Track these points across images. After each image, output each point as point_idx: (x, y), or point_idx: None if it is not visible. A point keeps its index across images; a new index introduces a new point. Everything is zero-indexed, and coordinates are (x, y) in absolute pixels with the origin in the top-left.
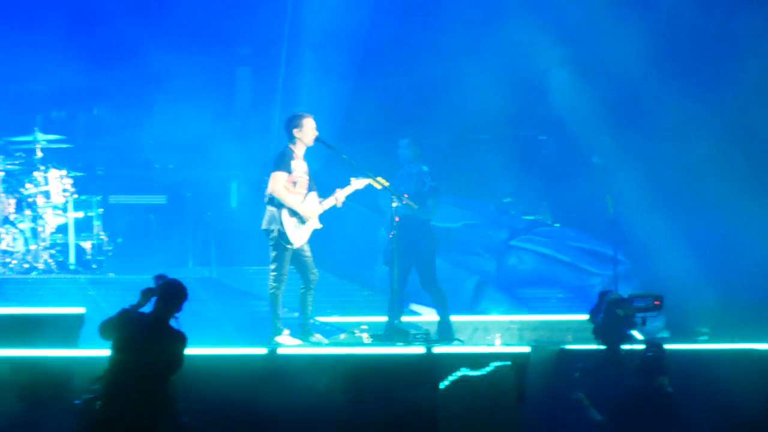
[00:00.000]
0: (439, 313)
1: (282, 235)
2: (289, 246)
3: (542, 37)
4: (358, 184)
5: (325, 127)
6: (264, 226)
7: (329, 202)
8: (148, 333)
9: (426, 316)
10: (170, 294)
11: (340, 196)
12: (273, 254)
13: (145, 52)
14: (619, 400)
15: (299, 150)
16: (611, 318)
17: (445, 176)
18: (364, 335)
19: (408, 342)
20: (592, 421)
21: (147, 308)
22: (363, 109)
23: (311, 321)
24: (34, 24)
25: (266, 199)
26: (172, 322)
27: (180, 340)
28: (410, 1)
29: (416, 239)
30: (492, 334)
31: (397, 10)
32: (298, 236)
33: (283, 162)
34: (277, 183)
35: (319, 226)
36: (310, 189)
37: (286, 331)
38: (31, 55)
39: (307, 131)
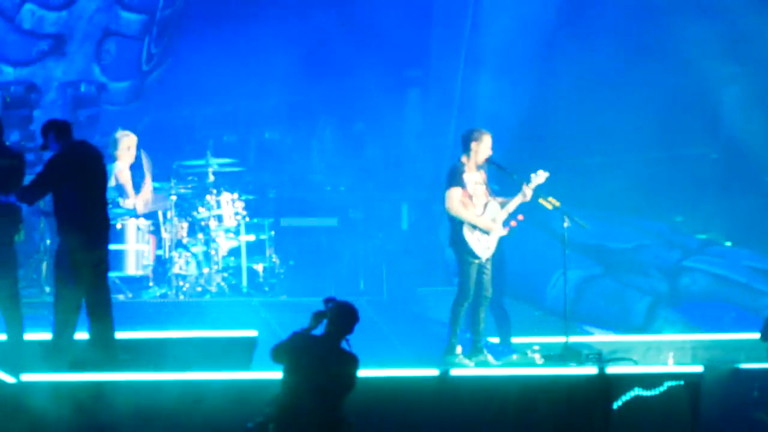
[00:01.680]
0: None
1: (467, 250)
2: (476, 260)
3: (713, 52)
4: (528, 193)
5: (498, 148)
6: (449, 243)
7: (516, 201)
8: (320, 356)
9: (598, 336)
10: (341, 316)
11: (511, 206)
12: (459, 269)
13: (313, 77)
14: None
15: (471, 165)
16: None
17: (622, 195)
18: (536, 356)
19: (580, 362)
20: None
21: (318, 331)
22: (535, 130)
23: (483, 341)
24: (207, 47)
25: (447, 216)
26: (344, 345)
27: (352, 362)
28: (588, 24)
29: None
30: (665, 354)
31: (572, 30)
32: (484, 248)
33: (455, 177)
34: (453, 200)
35: (504, 232)
36: (490, 195)
37: (459, 349)
38: (206, 79)
39: (484, 147)
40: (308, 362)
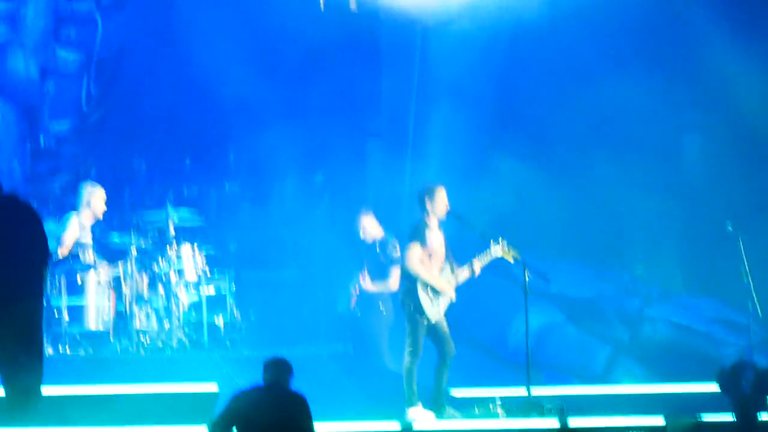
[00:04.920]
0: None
1: (418, 309)
2: (425, 320)
3: (674, 100)
4: (495, 250)
5: (457, 197)
6: (400, 300)
7: (466, 273)
8: (265, 402)
9: (560, 387)
10: (273, 363)
11: (477, 266)
12: (408, 327)
13: (272, 129)
14: None
15: (433, 222)
16: (747, 388)
17: (582, 244)
18: (499, 409)
19: (542, 415)
20: None
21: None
22: (492, 174)
23: (445, 395)
24: (170, 100)
25: (401, 271)
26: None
27: (300, 399)
28: (541, 58)
29: None
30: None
31: (527, 69)
32: (435, 311)
33: (417, 234)
34: (412, 257)
35: (453, 299)
36: (446, 261)
37: (419, 404)
38: (159, 131)
39: (440, 204)
40: (256, 412)
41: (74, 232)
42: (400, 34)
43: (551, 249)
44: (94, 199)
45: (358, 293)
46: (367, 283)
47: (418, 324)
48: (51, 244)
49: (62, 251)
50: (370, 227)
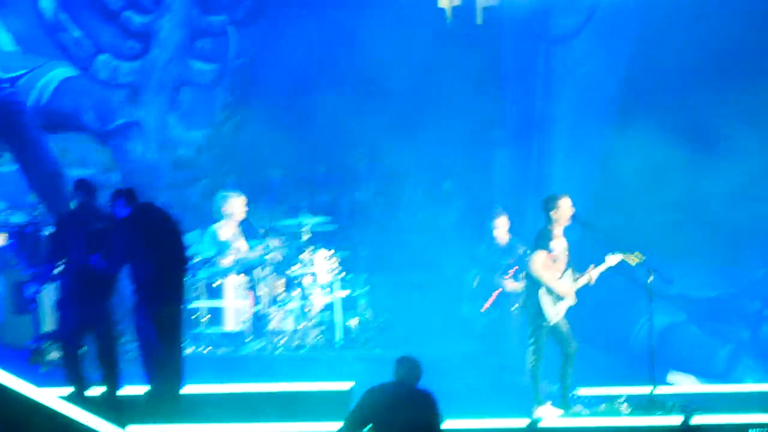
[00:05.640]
0: None
1: (539, 312)
2: (545, 323)
3: None
4: (611, 260)
5: (581, 204)
6: (521, 302)
7: (583, 280)
8: (396, 400)
9: (685, 385)
10: (404, 362)
11: (593, 274)
12: (531, 329)
13: (401, 136)
14: None
15: (557, 229)
16: None
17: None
18: (623, 406)
19: (666, 412)
20: None
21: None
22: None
23: (571, 393)
24: (303, 110)
25: (523, 276)
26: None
27: (429, 397)
28: (664, 70)
29: None
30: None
31: (647, 77)
32: (555, 313)
33: (542, 241)
34: (536, 262)
35: (574, 302)
36: (568, 266)
37: (547, 403)
38: (293, 140)
39: (564, 212)
40: (390, 411)
41: (224, 236)
42: (523, 46)
43: (672, 250)
44: (234, 207)
45: (498, 294)
46: (510, 284)
47: (540, 326)
48: (192, 249)
49: (222, 260)
50: (503, 230)
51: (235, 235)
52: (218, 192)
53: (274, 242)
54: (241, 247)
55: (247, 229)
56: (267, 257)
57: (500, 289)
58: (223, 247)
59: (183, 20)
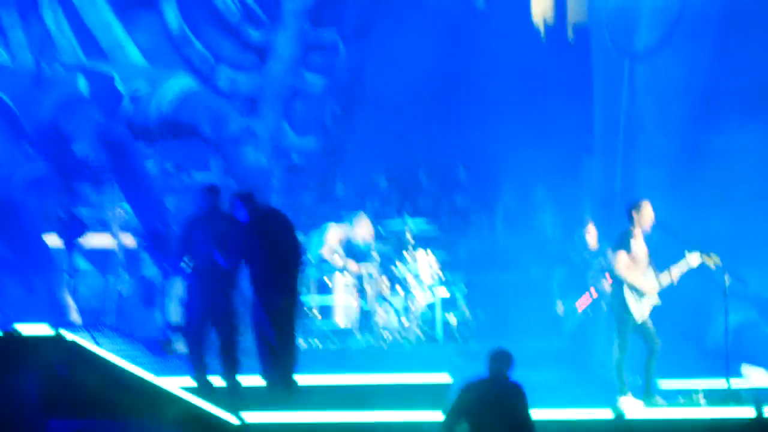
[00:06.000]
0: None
1: (625, 309)
2: (631, 320)
3: None
4: (692, 260)
5: (663, 209)
6: (609, 303)
7: (666, 279)
8: (489, 393)
9: (758, 378)
10: (499, 357)
11: (675, 273)
12: (617, 326)
13: (496, 145)
14: None
15: (638, 232)
16: None
17: None
18: (700, 398)
19: (740, 404)
20: None
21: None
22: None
23: (653, 386)
24: (407, 120)
25: (611, 276)
26: (510, 378)
27: (518, 389)
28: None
29: None
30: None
31: (727, 88)
32: (639, 311)
33: (623, 242)
34: (619, 262)
35: (658, 302)
36: (649, 266)
37: (629, 394)
38: (397, 148)
39: (645, 216)
40: (483, 403)
41: (332, 239)
42: (610, 62)
43: (746, 253)
44: (360, 226)
45: (595, 297)
46: (607, 286)
47: (626, 323)
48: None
49: (327, 254)
50: (593, 234)
51: (342, 241)
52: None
53: (379, 244)
54: (343, 259)
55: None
56: (374, 258)
57: (594, 290)
58: (332, 248)
59: (296, 35)
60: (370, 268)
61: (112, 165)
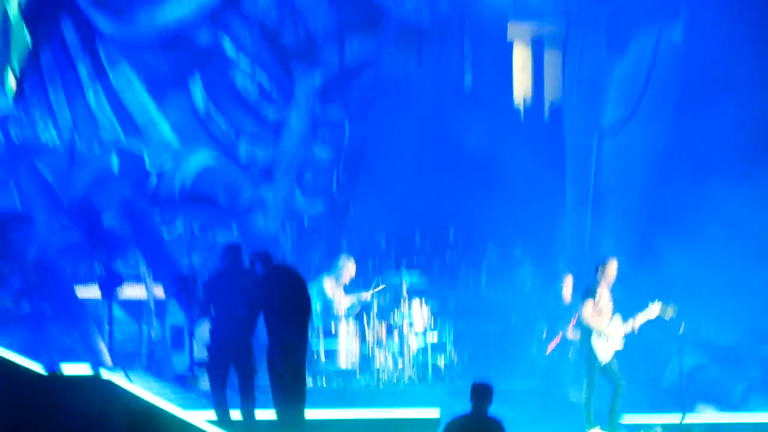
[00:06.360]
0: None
1: (591, 352)
2: (597, 363)
3: None
4: (652, 311)
5: (626, 265)
6: (578, 347)
7: (628, 327)
8: (473, 426)
9: (708, 414)
10: (480, 392)
11: (637, 322)
12: (585, 368)
13: (480, 209)
14: None
15: (603, 285)
16: None
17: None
18: (659, 431)
19: None
20: None
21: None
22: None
23: (618, 420)
24: (405, 187)
25: (578, 322)
26: (489, 413)
27: (497, 425)
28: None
29: None
30: None
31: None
32: (604, 354)
33: (590, 293)
34: (586, 310)
35: (621, 346)
36: (613, 315)
37: (597, 427)
38: (397, 211)
39: (610, 272)
40: None
41: (329, 287)
42: (580, 135)
43: (700, 305)
44: (347, 267)
45: (560, 341)
46: (570, 332)
47: (593, 364)
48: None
49: (330, 294)
50: (568, 287)
51: (338, 289)
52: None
53: (378, 295)
54: (342, 299)
55: (356, 283)
56: (373, 307)
57: (561, 334)
58: (326, 298)
59: (307, 112)
60: (365, 296)
61: (134, 233)
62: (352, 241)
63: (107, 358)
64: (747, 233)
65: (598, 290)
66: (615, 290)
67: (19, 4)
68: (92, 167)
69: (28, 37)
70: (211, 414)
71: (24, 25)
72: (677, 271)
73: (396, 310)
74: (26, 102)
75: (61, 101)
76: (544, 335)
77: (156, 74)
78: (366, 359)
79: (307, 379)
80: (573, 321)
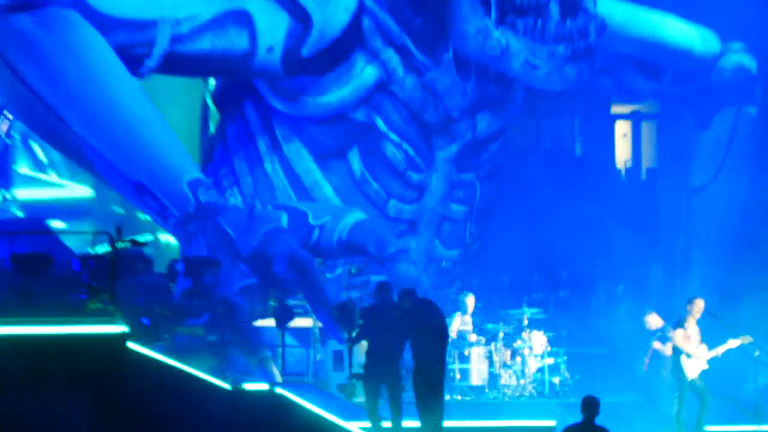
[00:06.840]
0: None
1: (681, 371)
2: (686, 380)
3: None
4: (732, 344)
5: (712, 302)
6: (670, 369)
7: (712, 354)
8: None
9: None
10: (589, 404)
11: (719, 351)
12: (676, 385)
13: (589, 253)
14: None
15: (691, 318)
16: None
17: None
18: None
19: None
20: None
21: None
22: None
23: (703, 430)
24: (526, 233)
25: (672, 346)
26: (596, 422)
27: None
28: None
29: None
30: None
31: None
32: (692, 372)
33: (681, 323)
34: (677, 336)
35: (707, 367)
36: (700, 342)
37: None
38: (518, 256)
39: (697, 308)
40: None
41: (457, 323)
42: (672, 193)
43: None
44: (468, 301)
45: (649, 360)
46: (666, 349)
47: (683, 382)
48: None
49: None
50: (653, 321)
51: (464, 320)
52: (464, 291)
53: (504, 325)
54: (470, 329)
55: (486, 315)
56: (499, 335)
57: (650, 352)
58: (467, 328)
59: (445, 177)
60: (497, 344)
61: (298, 280)
62: (482, 280)
63: (280, 377)
64: None
65: (687, 321)
66: (701, 323)
67: (209, 91)
68: (266, 224)
69: (217, 115)
70: (366, 423)
71: (214, 107)
72: (753, 306)
73: (518, 337)
74: (214, 169)
75: (244, 169)
76: (646, 360)
77: (321, 146)
78: (494, 378)
79: (444, 394)
80: (660, 344)
